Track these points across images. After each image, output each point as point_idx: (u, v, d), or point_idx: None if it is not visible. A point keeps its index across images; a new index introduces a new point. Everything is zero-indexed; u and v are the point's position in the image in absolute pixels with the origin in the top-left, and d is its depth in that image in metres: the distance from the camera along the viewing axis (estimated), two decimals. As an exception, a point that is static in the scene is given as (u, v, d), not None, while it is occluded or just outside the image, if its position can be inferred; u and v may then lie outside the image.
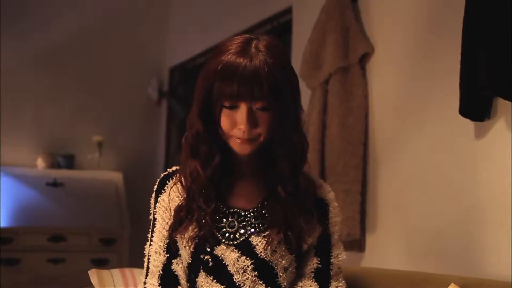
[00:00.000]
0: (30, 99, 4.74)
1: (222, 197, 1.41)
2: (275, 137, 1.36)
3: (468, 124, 2.04)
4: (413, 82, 2.36)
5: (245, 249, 1.36)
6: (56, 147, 4.74)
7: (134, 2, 5.03)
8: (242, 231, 1.37)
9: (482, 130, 2.01)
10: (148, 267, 1.43)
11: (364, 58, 2.57)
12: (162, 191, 1.45)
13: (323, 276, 1.42)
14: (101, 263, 4.16)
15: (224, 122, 1.32)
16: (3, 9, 4.53)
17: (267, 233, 1.36)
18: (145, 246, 1.46)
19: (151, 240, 1.44)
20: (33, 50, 4.72)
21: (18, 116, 4.68)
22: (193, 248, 1.37)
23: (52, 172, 4.55)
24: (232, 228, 1.37)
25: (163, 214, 1.42)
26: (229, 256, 1.35)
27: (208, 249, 1.36)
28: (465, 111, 2.00)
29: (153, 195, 1.47)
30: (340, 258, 1.44)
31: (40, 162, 4.61)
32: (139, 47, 5.06)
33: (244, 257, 1.35)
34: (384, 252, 2.46)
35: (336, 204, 1.46)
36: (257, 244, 1.36)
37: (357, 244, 2.55)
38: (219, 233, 1.37)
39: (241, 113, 1.30)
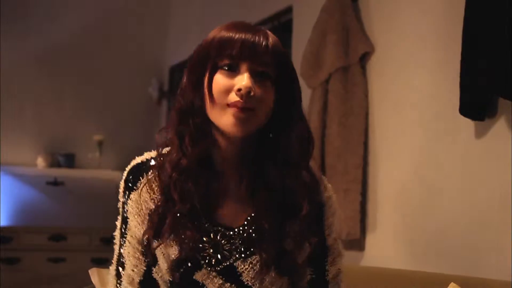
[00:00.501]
0: (31, 99, 4.75)
1: (206, 211, 1.22)
2: (275, 125, 1.21)
3: (469, 124, 2.05)
4: (413, 82, 2.36)
5: (229, 275, 1.21)
6: (57, 146, 4.74)
7: (134, 2, 5.04)
8: (226, 253, 1.21)
9: (483, 130, 2.01)
10: (118, 270, 1.29)
11: (364, 58, 2.58)
12: (135, 187, 1.28)
13: (319, 286, 1.29)
14: (102, 262, 4.15)
15: (219, 85, 1.16)
16: (3, 9, 4.53)
17: (254, 257, 1.21)
18: (114, 234, 1.33)
19: (125, 240, 1.30)
20: (34, 49, 4.73)
21: (19, 115, 4.69)
22: (172, 267, 1.22)
23: (52, 171, 4.56)
24: (215, 250, 1.21)
25: (137, 217, 1.28)
26: (211, 282, 1.21)
27: (187, 274, 1.21)
28: (465, 111, 1.99)
29: (122, 185, 1.32)
30: (338, 261, 1.32)
31: (41, 161, 4.61)
32: (139, 47, 5.06)
33: (229, 284, 1.20)
34: (384, 251, 2.46)
35: (334, 200, 1.30)
36: (243, 272, 1.21)
37: (357, 244, 2.55)
38: (200, 255, 1.20)
39: (242, 73, 1.15)
